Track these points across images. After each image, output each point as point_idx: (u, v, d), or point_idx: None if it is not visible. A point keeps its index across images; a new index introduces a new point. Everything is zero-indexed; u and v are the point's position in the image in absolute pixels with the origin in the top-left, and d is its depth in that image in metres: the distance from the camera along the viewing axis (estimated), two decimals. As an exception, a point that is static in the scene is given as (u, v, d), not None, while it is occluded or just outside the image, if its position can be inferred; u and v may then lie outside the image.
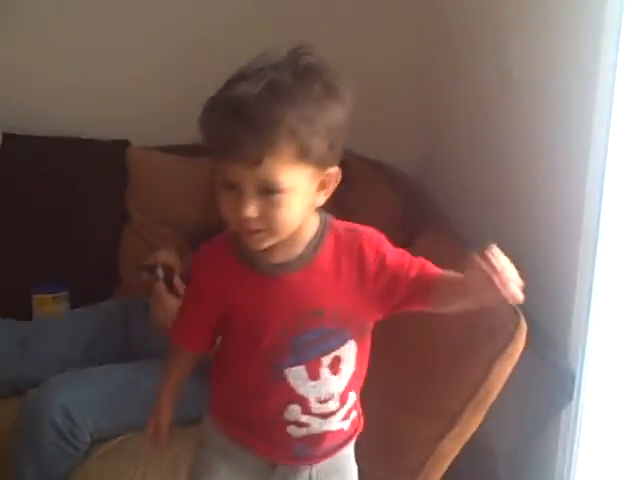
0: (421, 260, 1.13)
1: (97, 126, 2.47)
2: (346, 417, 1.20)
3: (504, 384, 1.37)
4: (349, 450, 1.25)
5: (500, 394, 1.38)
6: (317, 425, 1.17)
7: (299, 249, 1.10)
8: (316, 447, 1.20)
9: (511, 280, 0.98)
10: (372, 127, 2.20)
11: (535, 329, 1.41)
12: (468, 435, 1.42)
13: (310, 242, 1.10)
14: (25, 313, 2.27)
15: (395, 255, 1.12)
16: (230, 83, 1.03)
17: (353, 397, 1.20)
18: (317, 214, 1.12)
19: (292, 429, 1.17)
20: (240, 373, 1.17)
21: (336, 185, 1.09)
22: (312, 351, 1.12)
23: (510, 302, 0.99)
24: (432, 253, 1.72)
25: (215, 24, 2.45)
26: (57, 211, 2.38)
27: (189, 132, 2.40)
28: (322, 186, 1.08)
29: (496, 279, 0.97)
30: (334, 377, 1.15)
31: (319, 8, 2.44)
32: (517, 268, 1.62)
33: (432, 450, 1.41)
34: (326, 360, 1.13)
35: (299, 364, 1.13)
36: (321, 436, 1.19)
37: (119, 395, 1.75)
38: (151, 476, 1.63)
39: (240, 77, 1.03)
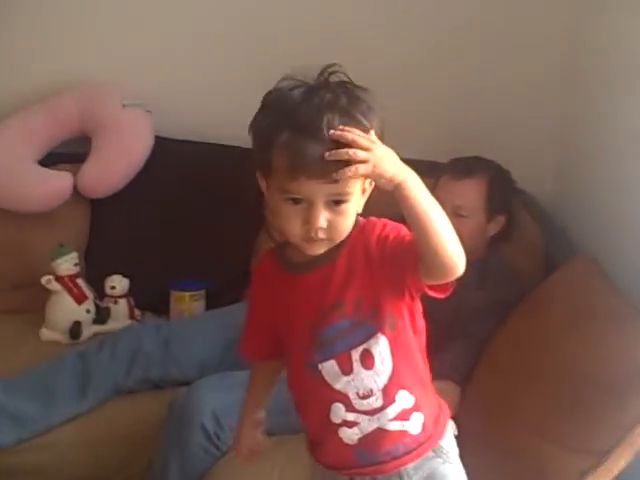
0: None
1: (240, 132, 2.54)
2: (403, 418, 1.19)
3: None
4: (438, 459, 1.22)
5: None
6: (366, 423, 1.18)
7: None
8: (376, 449, 1.19)
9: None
10: (506, 150, 2.22)
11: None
12: (613, 474, 1.42)
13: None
14: (163, 308, 2.39)
15: (395, 233, 1.15)
16: (287, 107, 1.09)
17: (407, 396, 1.19)
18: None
19: (344, 432, 1.19)
20: (291, 378, 1.25)
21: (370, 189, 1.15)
22: (339, 345, 1.16)
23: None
24: (572, 281, 1.76)
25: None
26: (197, 211, 2.49)
27: None
28: (363, 192, 1.14)
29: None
30: (368, 372, 1.16)
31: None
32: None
33: (575, 484, 1.42)
34: (355, 354, 1.16)
35: (329, 359, 1.17)
36: (376, 436, 1.19)
37: None
38: (288, 477, 1.68)
39: (298, 101, 1.09)
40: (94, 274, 2.42)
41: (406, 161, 1.11)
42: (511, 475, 1.50)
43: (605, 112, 2.10)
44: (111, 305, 2.33)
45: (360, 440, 1.19)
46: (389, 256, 1.12)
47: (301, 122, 1.07)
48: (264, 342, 1.27)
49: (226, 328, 2.11)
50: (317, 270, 1.17)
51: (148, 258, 2.45)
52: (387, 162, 1.06)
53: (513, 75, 2.47)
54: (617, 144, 2.00)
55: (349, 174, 1.05)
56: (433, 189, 1.90)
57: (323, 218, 1.09)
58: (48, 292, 2.27)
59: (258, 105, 2.61)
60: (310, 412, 1.23)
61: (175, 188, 2.49)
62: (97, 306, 2.33)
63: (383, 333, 1.16)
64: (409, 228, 1.10)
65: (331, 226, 1.10)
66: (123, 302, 2.35)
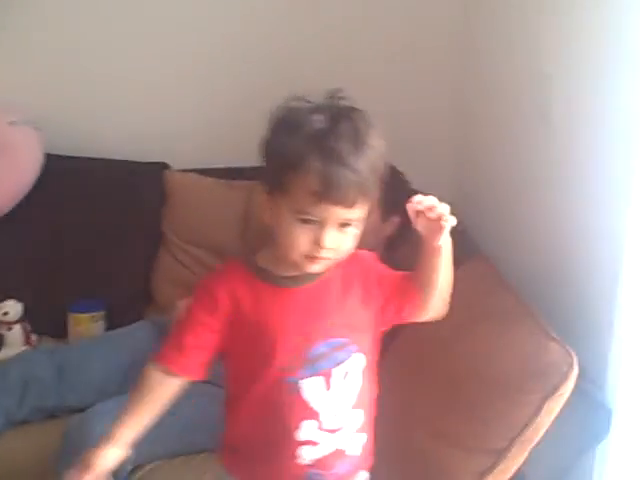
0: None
1: (137, 148, 2.50)
2: (355, 437, 1.23)
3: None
4: None
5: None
6: (327, 442, 1.20)
7: None
8: (328, 470, 1.21)
9: (436, 207, 1.13)
10: (408, 159, 2.23)
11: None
12: (512, 471, 1.41)
13: None
14: (60, 330, 2.30)
15: (387, 269, 1.27)
16: (314, 133, 1.12)
17: (362, 416, 1.23)
18: None
19: (304, 451, 1.20)
20: (255, 395, 1.20)
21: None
22: (325, 362, 1.19)
23: (444, 225, 1.14)
24: (468, 282, 1.76)
25: (255, 52, 2.49)
26: (95, 230, 2.41)
27: (226, 156, 2.51)
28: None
29: (428, 213, 1.13)
30: (344, 390, 1.20)
31: (354, 47, 2.49)
32: (553, 299, 1.64)
33: (475, 485, 1.41)
34: (337, 372, 1.19)
35: (315, 375, 1.18)
36: (331, 457, 1.21)
37: (159, 423, 1.76)
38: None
39: (324, 127, 1.13)
40: (-13, 300, 2.32)
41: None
42: (414, 478, 1.49)
43: (499, 114, 2.14)
44: (4, 332, 2.23)
45: (316, 461, 1.21)
46: (389, 288, 1.24)
47: (333, 151, 1.10)
48: (204, 360, 1.23)
49: (126, 349, 2.05)
50: (307, 286, 1.20)
51: (43, 280, 2.35)
52: None
53: (408, 85, 2.52)
54: (514, 150, 2.03)
55: (442, 227, 1.14)
56: None
57: (332, 239, 1.13)
58: None
59: (152, 117, 2.56)
60: (270, 430, 1.21)
61: (68, 206, 2.41)
62: (-11, 333, 2.23)
63: (363, 353, 1.23)
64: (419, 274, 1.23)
65: (336, 247, 1.15)
66: (17, 328, 2.25)
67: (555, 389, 1.36)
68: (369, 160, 1.12)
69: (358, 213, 1.14)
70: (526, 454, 1.41)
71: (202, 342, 1.22)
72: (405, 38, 2.48)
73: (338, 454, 1.22)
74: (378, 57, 2.50)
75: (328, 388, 1.19)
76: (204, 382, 1.89)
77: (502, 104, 2.12)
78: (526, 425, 1.37)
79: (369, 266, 1.26)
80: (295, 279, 1.19)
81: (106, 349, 2.07)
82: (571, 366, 1.36)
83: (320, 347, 1.18)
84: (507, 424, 1.38)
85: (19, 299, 2.26)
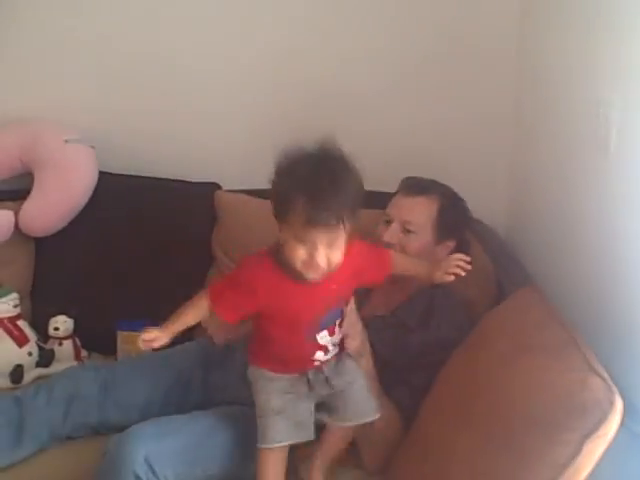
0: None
1: (189, 168, 2.52)
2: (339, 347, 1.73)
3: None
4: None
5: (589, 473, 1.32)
6: (329, 356, 1.70)
7: None
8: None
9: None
10: (463, 181, 2.20)
11: (629, 404, 1.35)
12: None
13: None
14: (110, 348, 2.32)
15: (371, 249, 1.72)
16: (302, 175, 1.50)
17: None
18: None
19: (316, 362, 1.68)
20: (283, 343, 1.65)
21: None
22: (329, 321, 1.65)
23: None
24: (517, 312, 1.71)
25: (304, 76, 2.52)
26: (145, 249, 2.43)
27: None
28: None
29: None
30: (339, 330, 1.69)
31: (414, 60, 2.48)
32: (602, 333, 1.59)
33: (514, 526, 1.35)
34: (337, 323, 1.67)
35: (323, 330, 1.65)
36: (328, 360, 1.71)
37: (200, 446, 1.75)
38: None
39: (310, 171, 1.50)
40: (40, 315, 2.36)
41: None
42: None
43: (558, 144, 2.08)
44: (55, 347, 2.27)
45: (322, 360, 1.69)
46: (369, 267, 1.69)
47: (316, 190, 1.47)
48: (238, 314, 1.63)
49: (171, 370, 2.06)
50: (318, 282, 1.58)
51: (93, 297, 2.38)
52: None
53: (467, 109, 2.51)
54: (569, 176, 1.97)
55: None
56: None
57: (324, 258, 1.51)
58: (-12, 335, 2.20)
59: (202, 139, 2.58)
60: (293, 354, 1.67)
61: (121, 224, 2.44)
62: (41, 348, 2.26)
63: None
64: None
65: (329, 261, 1.52)
66: (68, 343, 2.29)
67: (596, 427, 1.28)
68: (344, 195, 1.48)
69: (341, 234, 1.51)
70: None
71: (238, 307, 1.63)
72: (464, 61, 2.49)
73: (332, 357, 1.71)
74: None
75: (331, 334, 1.66)
76: (245, 404, 1.90)
77: (559, 130, 2.07)
78: (565, 466, 1.30)
79: (358, 253, 1.63)
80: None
81: (152, 368, 2.07)
82: (613, 404, 1.29)
83: (328, 316, 1.64)
84: (546, 464, 1.31)
85: (69, 315, 2.29)
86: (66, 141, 2.42)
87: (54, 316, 2.29)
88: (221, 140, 2.56)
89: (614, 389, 1.32)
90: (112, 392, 1.99)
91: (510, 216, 2.46)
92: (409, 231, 2.00)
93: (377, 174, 2.38)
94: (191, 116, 2.56)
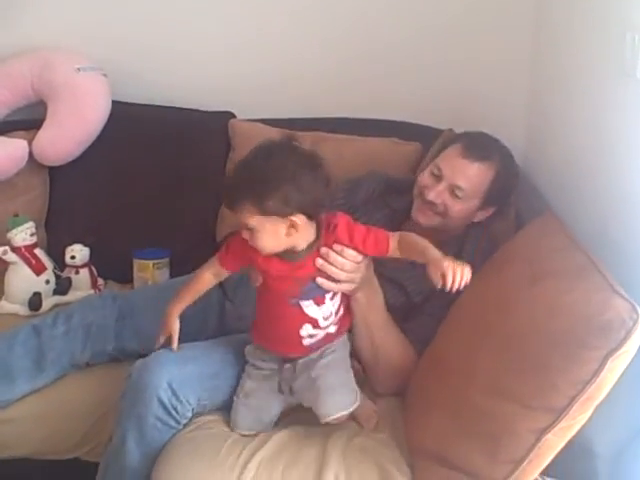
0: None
1: (203, 97, 2.50)
2: (336, 326, 1.67)
3: (614, 381, 1.32)
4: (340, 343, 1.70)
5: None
6: (321, 333, 1.65)
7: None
8: (318, 344, 1.67)
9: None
10: (479, 108, 2.18)
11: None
12: (574, 431, 1.37)
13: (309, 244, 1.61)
14: (126, 276, 2.34)
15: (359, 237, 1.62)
16: (246, 157, 1.56)
17: (341, 310, 1.68)
18: (312, 227, 1.59)
19: (306, 340, 1.65)
20: (270, 307, 1.66)
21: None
22: (315, 292, 1.62)
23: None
24: (535, 239, 1.71)
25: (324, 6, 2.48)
26: (160, 178, 2.43)
27: (291, 106, 2.51)
28: (291, 227, 1.54)
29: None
30: (330, 303, 1.64)
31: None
32: (620, 261, 1.58)
33: (536, 442, 1.36)
34: (327, 295, 1.64)
35: (309, 300, 1.62)
36: (322, 338, 1.66)
37: (222, 373, 1.77)
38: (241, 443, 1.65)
39: (253, 155, 1.56)
40: (55, 244, 2.37)
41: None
42: (468, 434, 1.46)
43: (581, 69, 2.04)
44: (72, 275, 2.28)
45: (313, 343, 1.65)
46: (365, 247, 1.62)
47: (241, 170, 1.56)
48: (238, 265, 1.69)
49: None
50: (304, 257, 1.60)
51: (110, 226, 2.39)
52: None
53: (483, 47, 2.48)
54: (591, 102, 1.93)
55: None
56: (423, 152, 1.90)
57: (246, 235, 1.54)
58: (6, 264, 2.21)
59: (216, 65, 2.57)
60: (282, 325, 1.65)
61: (135, 153, 2.44)
62: (58, 277, 2.27)
63: None
64: None
65: (255, 244, 1.55)
66: (84, 272, 2.29)
67: (619, 345, 1.29)
68: (273, 187, 1.48)
69: (255, 222, 1.51)
70: (588, 413, 1.36)
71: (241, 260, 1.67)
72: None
73: (326, 335, 1.67)
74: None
75: (318, 304, 1.62)
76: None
77: (582, 54, 2.01)
78: (588, 383, 1.31)
79: (343, 228, 1.61)
80: (293, 254, 1.59)
81: (169, 296, 2.07)
82: (637, 322, 1.30)
83: (307, 287, 1.61)
84: (568, 381, 1.32)
85: (85, 244, 2.29)
86: (78, 69, 2.40)
87: (69, 245, 2.29)
88: (236, 69, 2.53)
89: (637, 307, 1.32)
90: (129, 320, 2.00)
91: (529, 144, 2.43)
92: (457, 195, 1.92)
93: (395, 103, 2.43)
94: (206, 43, 2.52)
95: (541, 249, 1.63)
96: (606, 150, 1.83)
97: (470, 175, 1.92)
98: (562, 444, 1.38)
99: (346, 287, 1.65)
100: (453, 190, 1.91)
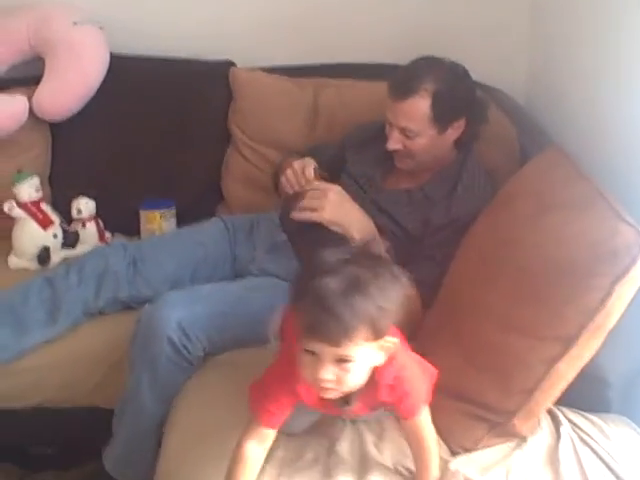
0: None
1: (203, 46, 2.47)
2: None
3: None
4: None
5: (618, 319, 1.35)
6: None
7: None
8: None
9: None
10: (483, 43, 2.15)
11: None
12: (585, 359, 1.38)
13: None
14: (132, 228, 2.34)
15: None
16: (316, 275, 1.20)
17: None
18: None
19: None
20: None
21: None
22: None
23: None
24: (541, 173, 1.70)
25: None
26: (162, 129, 2.42)
27: (292, 54, 2.49)
28: (382, 349, 1.25)
29: None
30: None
31: None
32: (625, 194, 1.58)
33: (547, 372, 1.38)
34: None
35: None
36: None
37: (231, 312, 1.79)
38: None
39: (325, 271, 1.20)
40: (60, 198, 2.37)
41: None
42: (480, 369, 1.48)
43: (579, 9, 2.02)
44: (79, 229, 2.29)
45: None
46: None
47: (320, 293, 1.18)
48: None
49: (197, 243, 2.08)
50: None
51: (113, 178, 2.39)
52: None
53: None
54: (589, 38, 1.92)
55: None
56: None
57: (329, 372, 1.21)
58: (13, 219, 2.22)
59: (216, 16, 2.47)
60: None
61: (136, 105, 2.42)
62: (65, 230, 2.28)
63: None
64: None
65: (338, 379, 1.22)
66: (91, 225, 2.30)
67: (625, 271, 1.31)
68: (367, 306, 1.18)
69: (352, 353, 1.20)
70: (599, 342, 1.37)
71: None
72: None
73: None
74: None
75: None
76: (272, 276, 1.93)
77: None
78: (596, 310, 1.33)
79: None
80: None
81: (178, 243, 2.10)
82: (644, 248, 1.31)
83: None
84: (576, 310, 1.34)
85: (92, 197, 2.30)
86: (75, 23, 2.37)
87: (75, 199, 2.30)
88: (235, 17, 2.50)
89: (645, 234, 1.33)
90: (141, 268, 2.01)
91: (530, 83, 2.42)
92: (409, 136, 1.93)
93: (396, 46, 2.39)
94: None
95: (547, 181, 1.63)
96: (614, 85, 1.81)
97: (407, 113, 1.92)
98: (574, 373, 1.39)
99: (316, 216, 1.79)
100: (404, 133, 1.94)
